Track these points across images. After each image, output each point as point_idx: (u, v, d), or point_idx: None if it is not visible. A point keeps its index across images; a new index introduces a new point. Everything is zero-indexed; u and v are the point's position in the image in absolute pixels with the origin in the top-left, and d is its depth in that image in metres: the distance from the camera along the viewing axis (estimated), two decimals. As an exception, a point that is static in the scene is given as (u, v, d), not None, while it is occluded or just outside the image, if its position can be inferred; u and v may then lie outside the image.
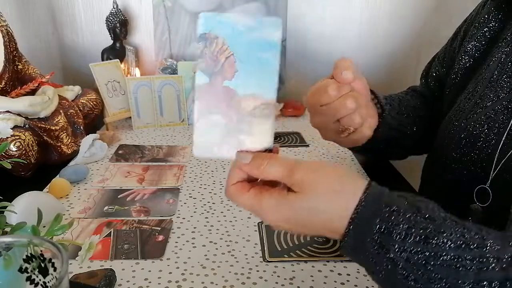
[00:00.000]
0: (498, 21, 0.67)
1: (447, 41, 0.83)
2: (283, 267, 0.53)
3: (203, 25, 0.40)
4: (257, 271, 0.53)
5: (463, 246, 0.36)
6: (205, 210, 0.67)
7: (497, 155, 0.59)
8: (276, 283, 0.51)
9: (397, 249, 0.37)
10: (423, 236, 0.37)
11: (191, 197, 0.71)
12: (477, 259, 0.36)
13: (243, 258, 0.55)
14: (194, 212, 0.67)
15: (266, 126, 0.42)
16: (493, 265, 0.36)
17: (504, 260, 0.36)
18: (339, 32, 1.24)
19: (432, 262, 0.37)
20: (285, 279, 0.51)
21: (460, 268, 0.36)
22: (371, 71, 1.28)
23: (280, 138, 0.99)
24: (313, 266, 0.54)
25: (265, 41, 0.40)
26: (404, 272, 0.38)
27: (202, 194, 0.72)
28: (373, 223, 0.38)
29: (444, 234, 0.37)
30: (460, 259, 0.36)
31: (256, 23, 0.40)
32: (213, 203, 0.69)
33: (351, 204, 0.40)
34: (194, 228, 0.62)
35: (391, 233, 0.38)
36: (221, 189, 0.74)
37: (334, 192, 0.41)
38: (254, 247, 0.58)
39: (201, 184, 0.76)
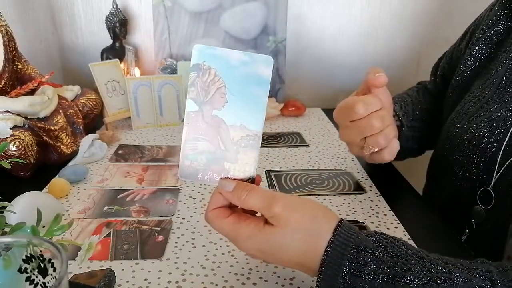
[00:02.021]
0: (505, 24, 0.67)
1: (447, 41, 0.83)
2: (283, 268, 0.53)
3: (196, 56, 0.42)
4: (257, 271, 0.53)
5: (430, 282, 0.37)
6: (204, 210, 0.67)
7: (499, 157, 0.58)
8: (276, 283, 0.51)
9: None
10: (390, 276, 0.38)
11: (191, 197, 0.71)
12: None
13: (243, 258, 0.55)
14: (194, 212, 0.67)
15: (251, 156, 0.45)
16: None
17: None
18: (339, 32, 1.24)
19: None
20: (285, 279, 0.51)
21: None
22: (371, 71, 1.28)
23: (280, 138, 0.99)
24: (313, 267, 0.54)
25: (256, 77, 0.43)
26: None
27: (202, 194, 0.72)
28: (343, 264, 0.39)
29: (411, 272, 0.38)
30: None
31: (249, 59, 0.42)
32: (213, 203, 0.69)
33: (323, 245, 0.41)
34: (194, 228, 0.62)
35: (360, 273, 0.38)
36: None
37: (308, 230, 0.42)
38: (254, 247, 0.58)
39: (200, 185, 0.76)
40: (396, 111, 0.73)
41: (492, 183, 0.59)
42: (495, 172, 0.59)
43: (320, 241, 0.41)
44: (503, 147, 0.58)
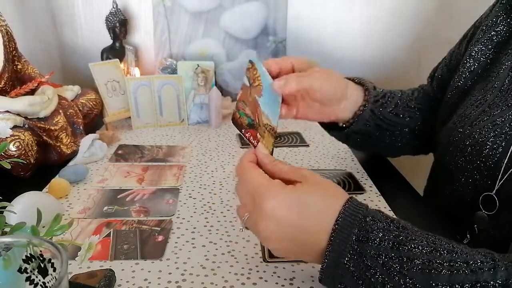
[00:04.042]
0: (506, 25, 0.65)
1: (448, 40, 0.82)
2: (283, 268, 0.53)
3: (252, 60, 0.56)
4: (257, 271, 0.53)
5: (433, 251, 0.39)
6: (205, 210, 0.67)
7: (505, 162, 0.57)
8: (276, 283, 0.51)
9: (373, 254, 0.40)
10: (395, 243, 0.40)
11: (191, 197, 0.71)
12: (447, 263, 0.38)
13: (243, 259, 0.55)
14: (194, 212, 0.67)
15: (270, 141, 0.54)
16: (463, 268, 0.38)
17: (473, 264, 0.38)
18: (339, 32, 1.24)
19: (406, 267, 0.39)
20: (285, 279, 0.51)
21: (432, 271, 0.38)
22: (371, 71, 1.28)
23: (280, 138, 0.99)
24: (313, 267, 0.54)
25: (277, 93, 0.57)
26: (381, 278, 0.40)
27: (202, 194, 0.72)
28: (352, 232, 0.41)
29: (416, 241, 0.40)
30: (431, 263, 0.38)
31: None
32: (213, 203, 0.69)
33: (337, 208, 0.43)
34: (194, 228, 0.62)
35: (367, 240, 0.41)
36: (221, 189, 0.74)
37: (332, 189, 0.46)
38: (254, 247, 0.58)
39: (201, 184, 0.76)
40: (366, 84, 0.73)
41: (496, 189, 0.59)
42: (499, 178, 0.58)
43: (335, 204, 0.43)
44: (509, 152, 0.57)
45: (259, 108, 0.55)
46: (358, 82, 0.73)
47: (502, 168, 0.58)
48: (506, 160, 0.57)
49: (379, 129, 0.74)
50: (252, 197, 0.46)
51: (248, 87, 0.56)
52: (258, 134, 0.54)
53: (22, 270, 0.34)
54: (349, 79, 0.72)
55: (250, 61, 0.58)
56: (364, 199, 0.71)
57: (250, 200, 0.46)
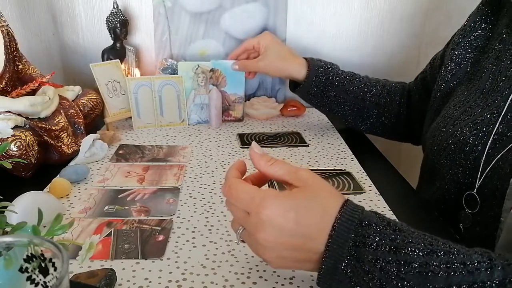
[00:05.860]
0: (483, 30, 0.69)
1: (446, 41, 0.83)
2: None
3: (213, 64, 1.02)
4: (257, 270, 0.53)
5: (430, 253, 0.39)
6: (205, 210, 0.68)
7: (483, 160, 0.59)
8: (276, 282, 0.51)
9: (370, 259, 0.40)
10: (392, 247, 0.40)
11: (191, 197, 0.72)
12: (444, 265, 0.38)
13: (243, 258, 0.55)
14: (194, 212, 0.67)
15: (240, 107, 1.05)
16: (460, 269, 0.38)
17: (470, 264, 0.38)
18: (339, 32, 1.24)
19: (404, 271, 0.39)
20: (285, 279, 0.52)
21: (429, 274, 0.38)
22: (371, 71, 1.28)
23: (279, 138, 0.99)
24: (313, 266, 0.54)
25: (238, 73, 1.01)
26: (378, 282, 0.39)
27: (202, 194, 0.72)
28: (349, 237, 0.41)
29: (412, 244, 0.40)
30: (428, 265, 0.38)
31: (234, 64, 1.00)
32: (213, 203, 0.70)
33: (336, 209, 0.43)
34: (194, 228, 0.62)
35: (364, 245, 0.40)
36: (221, 188, 0.74)
37: (328, 193, 0.45)
38: (254, 247, 0.58)
39: (201, 184, 0.76)
40: (310, 66, 0.93)
41: (476, 187, 0.60)
42: (478, 175, 0.59)
43: (332, 209, 0.43)
44: (486, 150, 0.58)
45: (226, 94, 1.03)
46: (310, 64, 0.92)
47: (481, 166, 0.59)
48: (484, 157, 0.58)
49: (333, 88, 0.92)
50: (245, 211, 0.45)
51: (215, 89, 1.00)
52: (230, 111, 1.05)
53: (23, 270, 0.34)
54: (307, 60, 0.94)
55: (212, 70, 1.01)
56: (364, 199, 0.71)
57: (244, 214, 0.45)
